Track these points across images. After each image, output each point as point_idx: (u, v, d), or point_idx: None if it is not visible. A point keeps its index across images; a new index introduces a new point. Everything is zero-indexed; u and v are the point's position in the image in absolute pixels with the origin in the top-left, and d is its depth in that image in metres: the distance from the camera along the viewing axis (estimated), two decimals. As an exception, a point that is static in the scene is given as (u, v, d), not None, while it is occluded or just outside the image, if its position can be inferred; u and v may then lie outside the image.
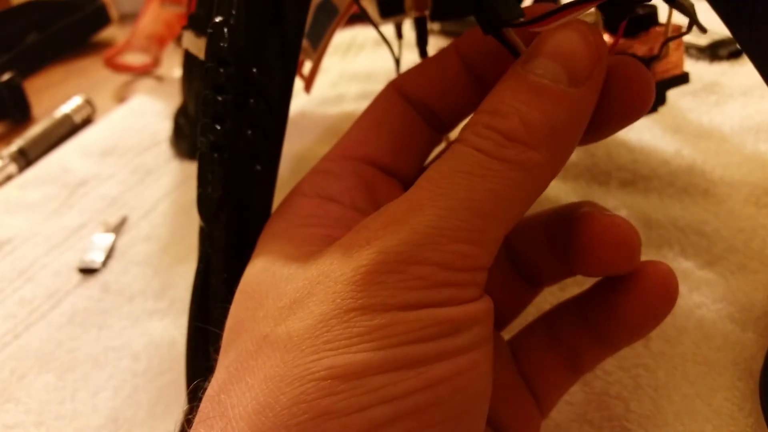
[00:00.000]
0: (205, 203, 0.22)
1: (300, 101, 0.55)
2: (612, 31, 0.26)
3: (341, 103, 0.57)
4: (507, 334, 0.23)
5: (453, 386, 0.16)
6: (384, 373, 0.15)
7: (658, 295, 0.20)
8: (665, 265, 0.20)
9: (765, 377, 0.24)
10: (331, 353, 0.15)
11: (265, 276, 0.19)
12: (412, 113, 0.22)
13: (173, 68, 0.68)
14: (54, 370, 0.34)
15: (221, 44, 0.22)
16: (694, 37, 0.50)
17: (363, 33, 0.69)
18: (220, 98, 0.22)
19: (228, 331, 0.18)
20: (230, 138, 0.22)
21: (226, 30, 0.22)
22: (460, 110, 0.23)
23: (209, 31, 0.22)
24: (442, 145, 0.25)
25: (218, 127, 0.22)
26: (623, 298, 0.20)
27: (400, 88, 0.23)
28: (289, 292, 0.17)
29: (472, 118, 0.18)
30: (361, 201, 0.21)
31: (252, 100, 0.22)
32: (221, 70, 0.22)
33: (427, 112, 0.22)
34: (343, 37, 0.69)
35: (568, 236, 0.20)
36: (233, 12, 0.22)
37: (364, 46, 0.68)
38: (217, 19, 0.22)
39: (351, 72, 0.63)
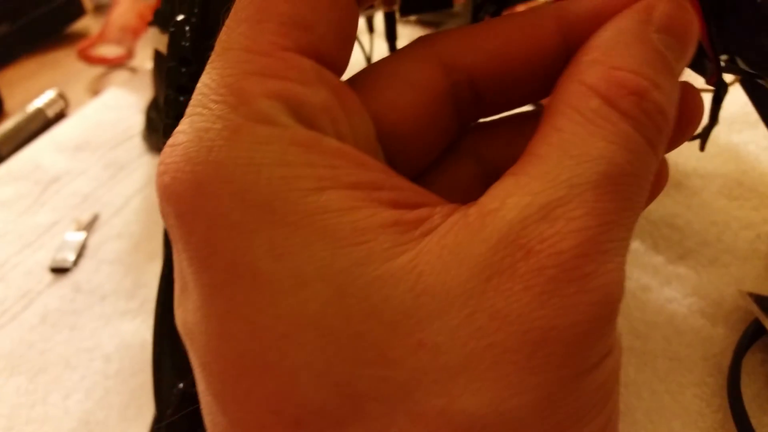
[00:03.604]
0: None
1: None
2: None
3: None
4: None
5: None
6: None
7: None
8: None
9: (733, 374, 0.25)
10: None
11: (354, 304, 0.12)
12: None
13: (147, 60, 0.67)
14: (25, 372, 0.33)
15: (183, 43, 0.21)
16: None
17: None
18: (182, 99, 0.22)
19: (311, 386, 0.12)
20: (193, 140, 0.21)
21: (187, 28, 0.21)
22: None
23: (171, 29, 0.22)
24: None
25: (181, 129, 0.22)
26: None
27: None
28: (448, 343, 0.12)
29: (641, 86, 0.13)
30: (342, 126, 0.14)
31: (215, 101, 0.22)
32: (183, 69, 0.21)
33: None
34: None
35: None
36: (195, 10, 0.22)
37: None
38: (179, 18, 0.22)
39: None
